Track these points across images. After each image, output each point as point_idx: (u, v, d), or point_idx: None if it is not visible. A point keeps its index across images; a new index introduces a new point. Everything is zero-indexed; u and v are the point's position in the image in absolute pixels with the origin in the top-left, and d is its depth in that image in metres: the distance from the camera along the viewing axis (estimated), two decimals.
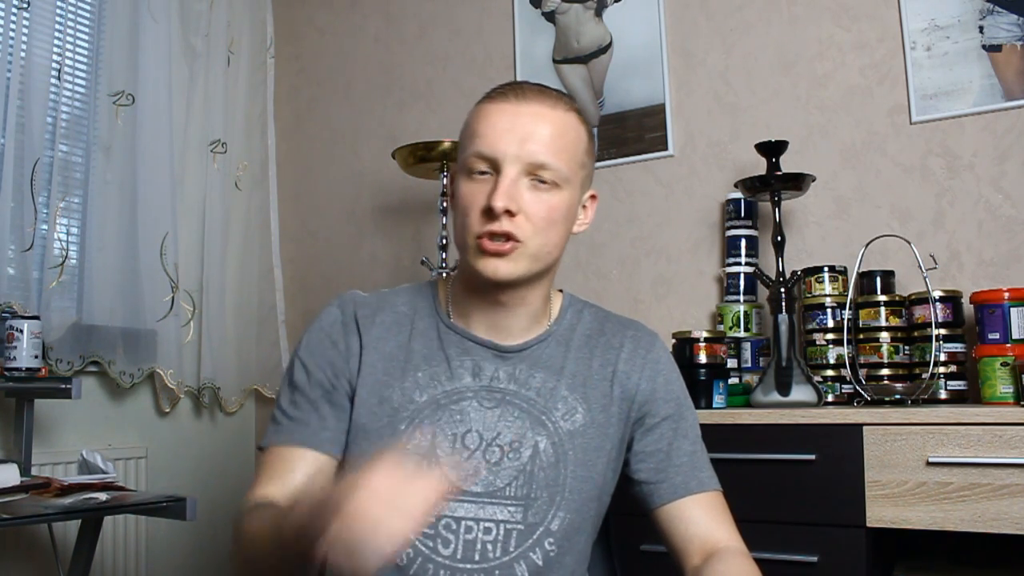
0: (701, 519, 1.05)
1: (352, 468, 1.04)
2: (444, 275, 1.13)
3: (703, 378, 1.74)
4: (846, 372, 1.76)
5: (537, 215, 1.00)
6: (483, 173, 1.01)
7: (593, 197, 1.12)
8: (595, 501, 1.07)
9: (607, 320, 1.15)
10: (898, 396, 1.64)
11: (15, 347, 1.85)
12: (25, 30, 2.09)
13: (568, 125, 1.04)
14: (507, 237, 0.99)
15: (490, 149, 1.00)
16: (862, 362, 1.79)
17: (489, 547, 0.99)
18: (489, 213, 0.98)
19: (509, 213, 0.98)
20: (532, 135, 1.00)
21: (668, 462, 1.08)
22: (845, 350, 1.75)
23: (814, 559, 1.49)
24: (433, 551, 0.99)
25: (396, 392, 1.05)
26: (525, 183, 1.00)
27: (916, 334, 1.76)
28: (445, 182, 2.16)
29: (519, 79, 2.44)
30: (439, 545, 0.99)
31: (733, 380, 1.89)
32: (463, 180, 1.03)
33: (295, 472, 1.02)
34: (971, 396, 1.74)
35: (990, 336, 1.62)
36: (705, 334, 1.79)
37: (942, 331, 1.70)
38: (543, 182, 1.00)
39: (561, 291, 1.17)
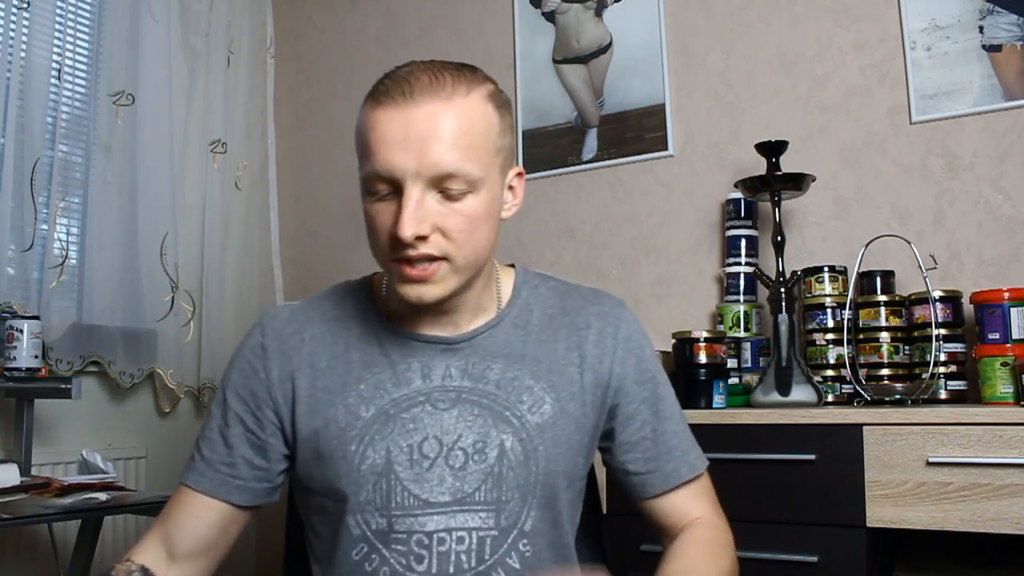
0: (690, 503, 1.05)
1: (314, 495, 0.99)
2: (374, 274, 1.07)
3: (703, 378, 1.73)
4: (846, 372, 1.76)
5: (455, 229, 0.90)
6: (385, 195, 0.90)
7: (520, 175, 1.00)
8: (568, 491, 1.02)
9: (568, 295, 1.06)
10: (898, 396, 1.64)
11: (15, 347, 1.85)
12: (25, 30, 2.09)
13: (472, 114, 0.90)
14: (428, 259, 0.89)
15: (385, 167, 0.88)
16: (862, 362, 1.79)
17: (463, 557, 0.93)
18: (399, 241, 0.88)
19: (421, 238, 0.88)
20: (430, 142, 0.87)
21: (656, 450, 1.03)
22: (845, 350, 1.75)
23: (814, 559, 1.49)
24: (407, 568, 0.93)
25: (340, 410, 0.96)
26: (433, 198, 0.89)
27: (916, 334, 1.76)
28: None
29: (518, 77, 2.44)
30: (412, 562, 0.93)
31: (733, 380, 1.89)
32: (365, 199, 0.92)
33: (199, 520, 0.99)
34: (971, 396, 1.74)
35: (990, 336, 1.61)
36: (705, 334, 1.79)
37: (942, 331, 1.70)
38: (452, 195, 0.89)
39: (512, 266, 1.07)
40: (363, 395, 0.97)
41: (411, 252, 0.89)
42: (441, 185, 0.89)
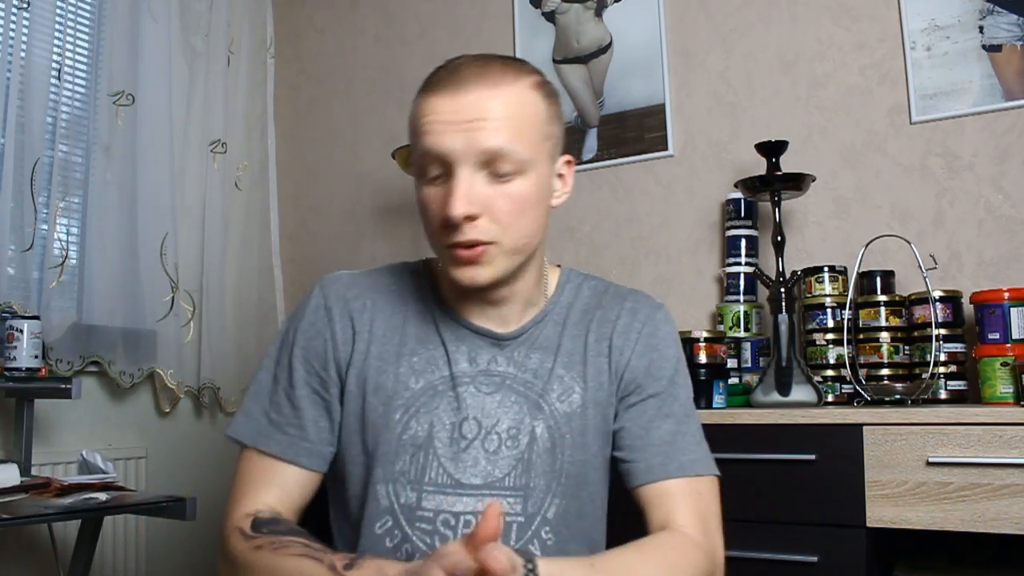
0: (671, 504, 0.98)
1: (351, 462, 1.01)
2: (430, 259, 1.11)
3: (703, 378, 1.74)
4: (846, 372, 1.76)
5: (502, 211, 0.93)
6: (436, 177, 0.94)
7: (569, 163, 1.03)
8: (598, 485, 1.03)
9: (606, 293, 1.09)
10: (898, 396, 1.64)
11: (15, 347, 1.85)
12: (25, 30, 2.09)
13: (520, 99, 0.94)
14: (475, 243, 0.93)
15: (436, 146, 0.92)
16: (862, 362, 1.79)
17: None
18: (449, 222, 0.92)
19: (470, 218, 0.91)
20: (479, 123, 0.91)
21: (645, 440, 1.01)
22: (845, 350, 1.75)
23: (814, 559, 1.49)
24: (431, 548, 0.93)
25: (390, 378, 1.00)
26: (482, 178, 0.92)
27: (916, 334, 1.76)
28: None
29: None
30: (437, 542, 0.94)
31: (733, 380, 1.89)
32: (420, 185, 0.96)
33: (273, 486, 1.00)
34: (971, 396, 1.74)
35: (990, 336, 1.62)
36: (705, 334, 1.79)
37: (942, 331, 1.70)
38: (501, 176, 0.92)
39: (559, 266, 1.12)
40: (415, 367, 1.01)
41: (460, 237, 0.92)
42: (490, 166, 0.92)
